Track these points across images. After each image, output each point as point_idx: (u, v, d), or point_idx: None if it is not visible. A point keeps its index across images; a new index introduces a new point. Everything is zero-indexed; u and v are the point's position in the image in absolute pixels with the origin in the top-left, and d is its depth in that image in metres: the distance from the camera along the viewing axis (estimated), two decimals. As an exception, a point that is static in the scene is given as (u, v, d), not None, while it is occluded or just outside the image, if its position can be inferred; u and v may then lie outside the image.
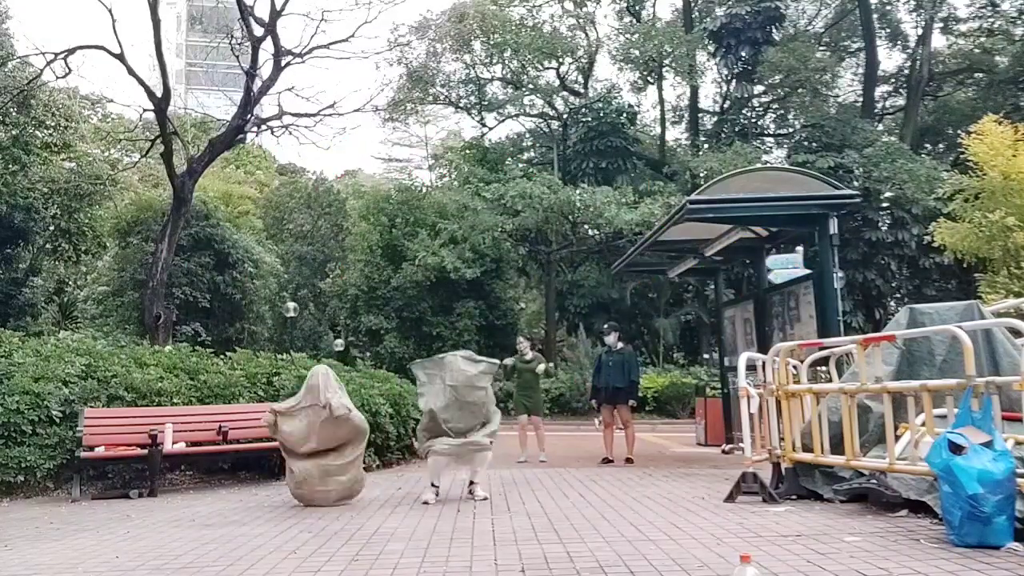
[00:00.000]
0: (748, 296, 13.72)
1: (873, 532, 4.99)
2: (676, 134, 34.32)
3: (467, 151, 32.58)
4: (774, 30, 28.17)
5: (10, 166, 24.02)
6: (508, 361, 11.25)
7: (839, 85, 33.09)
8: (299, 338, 31.04)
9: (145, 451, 8.28)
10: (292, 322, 30.08)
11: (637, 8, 32.57)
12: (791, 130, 31.26)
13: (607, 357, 11.05)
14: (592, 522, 5.72)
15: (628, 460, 10.49)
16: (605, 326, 11.61)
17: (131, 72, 15.28)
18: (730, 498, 6.50)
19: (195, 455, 8.96)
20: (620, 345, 11.15)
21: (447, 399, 6.90)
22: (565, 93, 32.82)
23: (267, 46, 16.32)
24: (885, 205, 23.87)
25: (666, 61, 28.68)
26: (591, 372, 11.84)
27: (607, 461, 10.52)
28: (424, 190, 31.78)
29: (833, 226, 8.84)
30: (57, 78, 17.73)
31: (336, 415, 6.98)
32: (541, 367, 11.18)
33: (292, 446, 7.17)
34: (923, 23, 28.88)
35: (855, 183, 22.33)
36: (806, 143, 26.59)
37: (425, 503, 6.81)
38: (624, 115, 28.64)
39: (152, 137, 17.76)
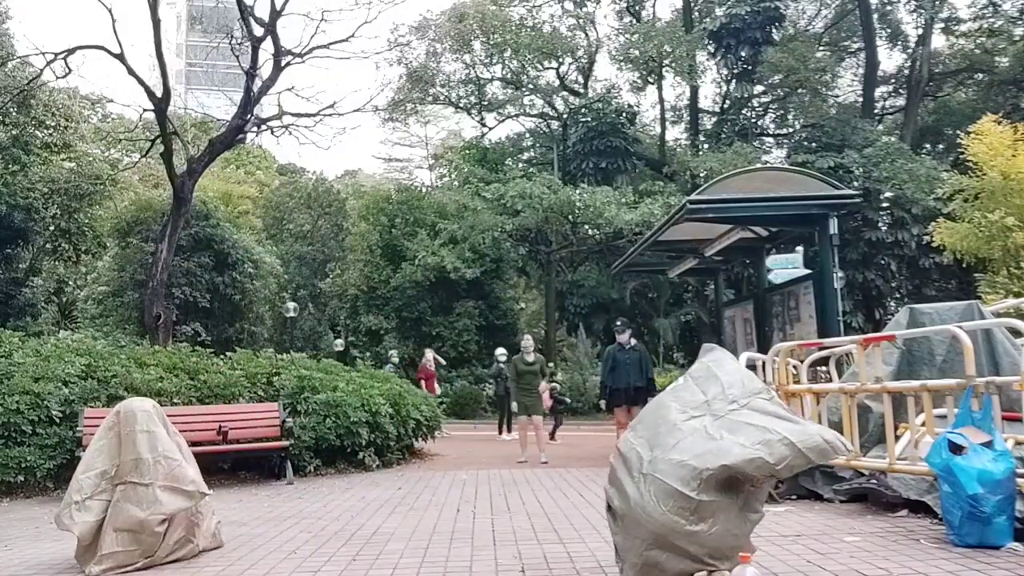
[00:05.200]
0: (748, 296, 13.72)
1: (873, 532, 4.99)
2: (676, 134, 34.39)
3: (467, 151, 32.62)
4: (774, 30, 28.15)
5: (10, 166, 24.03)
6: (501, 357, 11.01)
7: (839, 85, 33.10)
8: (299, 338, 31.05)
9: (145, 451, 8.25)
10: (292, 322, 30.10)
11: (637, 8, 32.59)
12: (791, 130, 31.28)
13: (622, 355, 10.28)
14: (592, 522, 5.71)
15: None
16: (618, 323, 10.89)
17: (131, 72, 15.25)
18: (730, 498, 6.49)
19: (195, 455, 8.91)
20: (633, 342, 10.58)
21: None
22: (565, 93, 32.85)
23: (267, 46, 16.28)
24: (885, 205, 23.86)
25: (666, 61, 28.68)
26: (604, 371, 10.82)
27: None
28: (424, 190, 31.84)
29: (833, 226, 8.85)
30: (57, 78, 17.71)
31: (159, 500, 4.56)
32: (543, 385, 11.04)
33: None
34: (923, 23, 28.88)
35: (855, 183, 22.31)
36: (806, 143, 26.60)
37: None
38: (624, 115, 28.66)
39: (152, 137, 17.72)
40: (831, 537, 4.89)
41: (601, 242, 26.52)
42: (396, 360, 17.91)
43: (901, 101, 31.83)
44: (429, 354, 17.12)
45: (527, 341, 11.52)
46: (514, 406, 11.61)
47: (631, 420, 10.23)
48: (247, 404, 9.51)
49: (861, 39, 30.51)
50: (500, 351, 16.19)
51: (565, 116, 31.56)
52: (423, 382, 16.02)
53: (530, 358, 11.13)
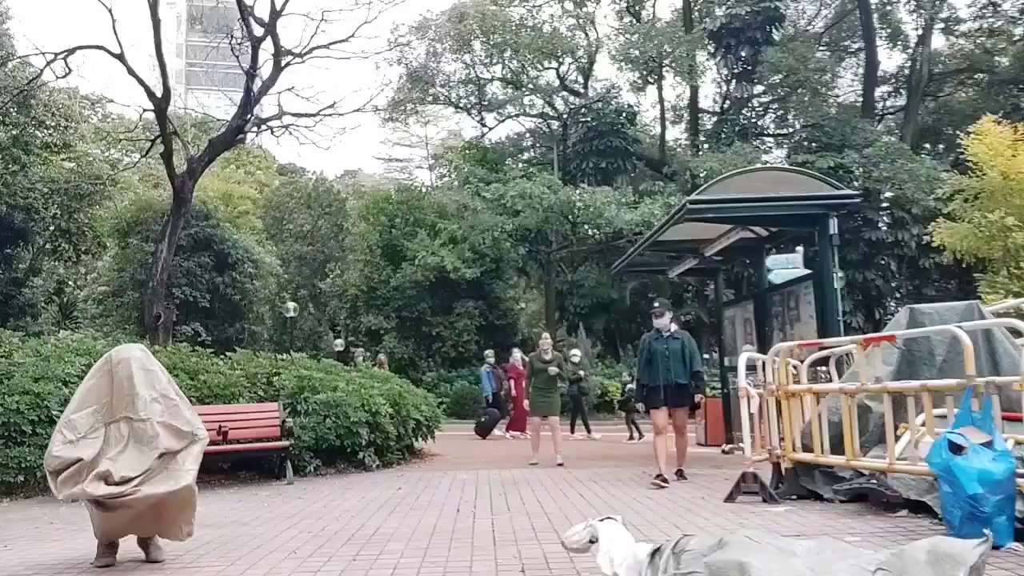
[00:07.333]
0: (748, 296, 13.72)
1: (873, 532, 4.99)
2: (676, 134, 34.40)
3: (467, 151, 32.64)
4: (774, 30, 28.18)
5: (10, 166, 24.02)
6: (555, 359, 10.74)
7: (839, 85, 33.12)
8: (299, 338, 31.04)
9: (145, 451, 8.25)
10: (292, 322, 30.10)
11: (637, 8, 32.59)
12: (791, 130, 31.27)
13: (659, 344, 8.25)
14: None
15: (679, 474, 8.29)
16: (656, 304, 8.83)
17: (131, 72, 15.26)
18: (730, 498, 6.50)
19: (195, 455, 8.93)
20: (674, 328, 8.49)
21: None
22: (565, 93, 32.84)
23: (267, 46, 16.30)
24: (885, 205, 23.89)
25: (666, 61, 28.69)
26: (639, 365, 8.83)
27: (664, 478, 7.74)
28: (424, 190, 31.82)
29: (833, 226, 8.84)
30: (57, 78, 17.73)
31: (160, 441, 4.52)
32: (553, 369, 10.65)
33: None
34: (923, 23, 28.89)
35: (855, 183, 22.32)
36: (806, 143, 26.61)
37: None
38: (624, 115, 28.68)
39: (152, 137, 17.74)
40: (831, 537, 4.88)
41: (601, 242, 26.51)
42: (492, 360, 17.51)
43: (901, 101, 31.83)
44: (517, 353, 16.99)
45: (545, 340, 11.24)
46: (525, 404, 11.42)
47: (674, 423, 8.23)
48: (247, 404, 9.50)
49: (861, 39, 30.52)
50: (575, 352, 16.22)
51: (565, 116, 31.56)
52: (512, 381, 16.10)
53: (548, 356, 10.77)
